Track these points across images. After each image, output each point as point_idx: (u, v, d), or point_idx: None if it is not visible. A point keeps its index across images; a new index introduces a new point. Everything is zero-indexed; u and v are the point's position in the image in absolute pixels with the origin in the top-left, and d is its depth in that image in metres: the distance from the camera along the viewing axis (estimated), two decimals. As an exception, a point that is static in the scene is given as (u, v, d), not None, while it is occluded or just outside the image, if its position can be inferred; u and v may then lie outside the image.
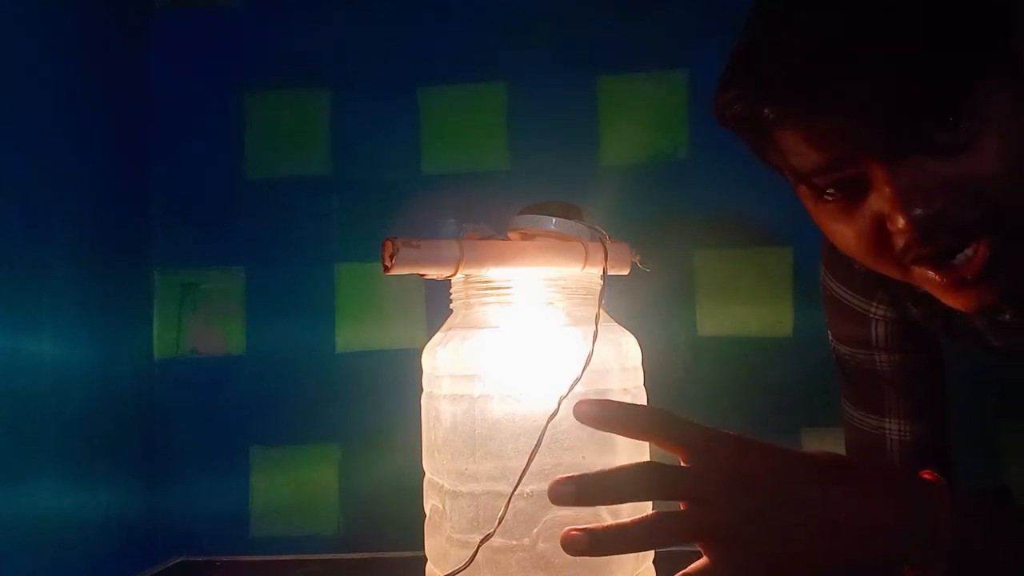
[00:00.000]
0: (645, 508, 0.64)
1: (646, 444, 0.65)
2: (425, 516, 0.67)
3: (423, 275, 0.60)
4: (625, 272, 0.66)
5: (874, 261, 0.58)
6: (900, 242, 0.54)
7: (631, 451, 0.63)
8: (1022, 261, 0.55)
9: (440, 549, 0.63)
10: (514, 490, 0.57)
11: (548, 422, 0.58)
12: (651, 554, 0.65)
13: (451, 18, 1.22)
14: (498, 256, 0.61)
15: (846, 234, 0.57)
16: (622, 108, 1.20)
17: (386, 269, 0.58)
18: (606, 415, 0.53)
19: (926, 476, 0.54)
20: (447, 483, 0.62)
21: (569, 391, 0.58)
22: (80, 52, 1.07)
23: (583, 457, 0.60)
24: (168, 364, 1.21)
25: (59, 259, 0.99)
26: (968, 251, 0.53)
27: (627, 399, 0.64)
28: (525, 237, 0.65)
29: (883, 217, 0.54)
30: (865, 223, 0.55)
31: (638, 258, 0.67)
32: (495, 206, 0.74)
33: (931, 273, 0.55)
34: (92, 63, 1.10)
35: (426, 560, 0.65)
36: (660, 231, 1.16)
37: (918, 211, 0.51)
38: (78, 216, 1.04)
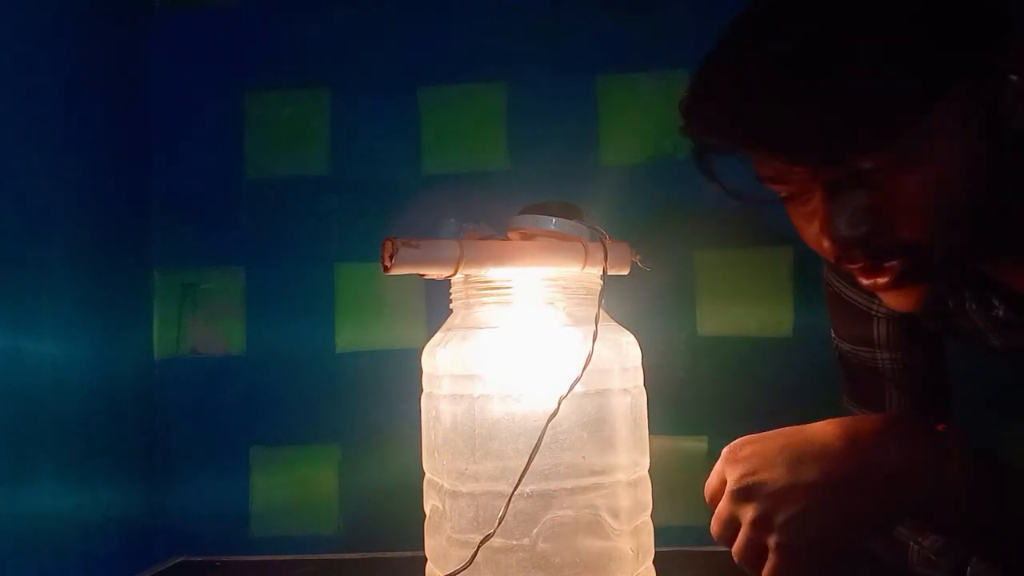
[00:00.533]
0: (644, 511, 0.64)
1: (646, 443, 0.65)
2: (425, 516, 0.67)
3: (423, 275, 0.60)
4: (625, 272, 0.66)
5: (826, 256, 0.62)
6: (831, 256, 0.60)
7: (631, 451, 0.63)
8: (950, 272, 0.61)
9: (440, 549, 0.63)
10: (514, 490, 0.57)
11: (548, 422, 0.58)
12: (651, 553, 0.65)
13: (451, 18, 1.22)
14: (498, 256, 0.61)
15: (805, 230, 0.62)
16: (622, 108, 1.20)
17: (386, 269, 0.58)
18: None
19: (940, 428, 0.57)
20: (447, 483, 0.62)
21: (569, 391, 0.58)
22: (80, 52, 1.07)
23: (583, 457, 0.60)
24: (168, 364, 1.21)
25: (59, 259, 0.99)
26: (888, 265, 0.59)
27: (627, 399, 0.64)
28: (525, 237, 0.65)
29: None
30: (814, 227, 0.60)
31: (638, 258, 0.67)
32: (495, 206, 0.74)
33: (860, 276, 0.61)
34: (92, 63, 1.10)
35: (426, 560, 0.65)
36: (660, 231, 1.16)
37: (840, 236, 0.57)
38: (78, 216, 1.04)
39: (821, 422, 0.58)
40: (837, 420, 0.58)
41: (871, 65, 0.52)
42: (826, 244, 0.58)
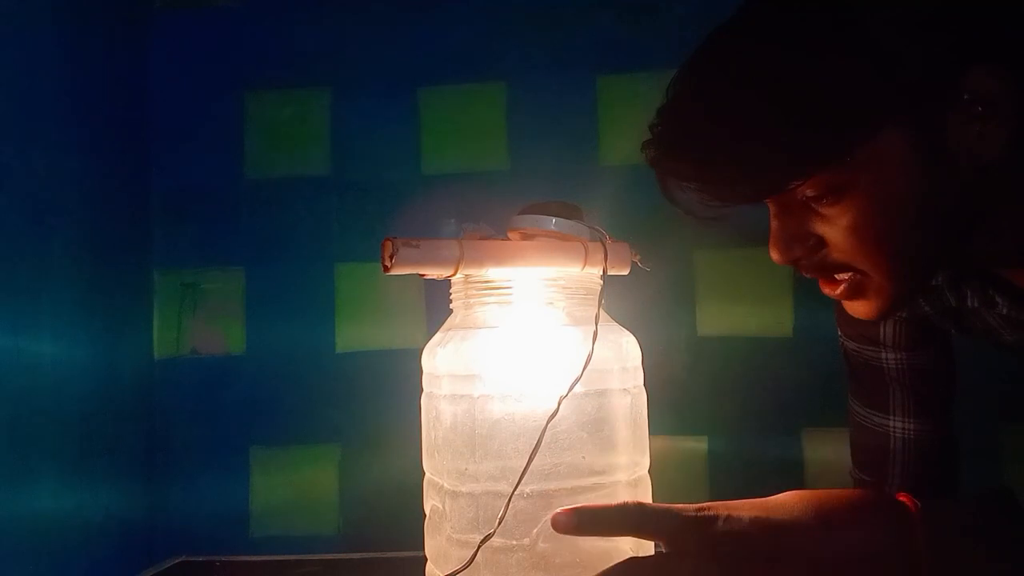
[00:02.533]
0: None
1: (646, 443, 0.65)
2: (425, 516, 0.67)
3: (423, 275, 0.60)
4: (625, 272, 0.66)
5: None
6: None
7: (631, 451, 0.63)
8: (904, 289, 0.61)
9: (440, 549, 0.63)
10: (514, 490, 0.57)
11: (548, 422, 0.57)
12: (651, 553, 0.65)
13: (451, 18, 1.22)
14: (498, 256, 0.61)
15: None
16: (622, 108, 1.20)
17: (386, 269, 0.57)
18: (583, 522, 0.54)
19: (902, 499, 0.54)
20: (447, 483, 0.61)
21: (569, 391, 0.58)
22: (80, 52, 1.07)
23: (583, 457, 0.60)
24: (168, 364, 1.21)
25: (59, 259, 0.99)
26: (838, 277, 0.62)
27: (627, 399, 0.64)
28: (525, 237, 0.65)
29: None
30: None
31: (638, 258, 0.67)
32: (495, 206, 0.74)
33: (820, 286, 0.64)
34: (92, 63, 1.10)
35: (426, 560, 0.65)
36: (660, 231, 1.15)
37: (782, 254, 0.62)
38: (78, 216, 1.04)
39: (786, 497, 0.55)
40: (802, 496, 0.55)
41: (793, 112, 0.54)
42: (773, 257, 0.62)
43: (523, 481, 0.57)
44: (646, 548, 0.64)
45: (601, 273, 0.64)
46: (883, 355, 0.82)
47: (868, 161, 0.55)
